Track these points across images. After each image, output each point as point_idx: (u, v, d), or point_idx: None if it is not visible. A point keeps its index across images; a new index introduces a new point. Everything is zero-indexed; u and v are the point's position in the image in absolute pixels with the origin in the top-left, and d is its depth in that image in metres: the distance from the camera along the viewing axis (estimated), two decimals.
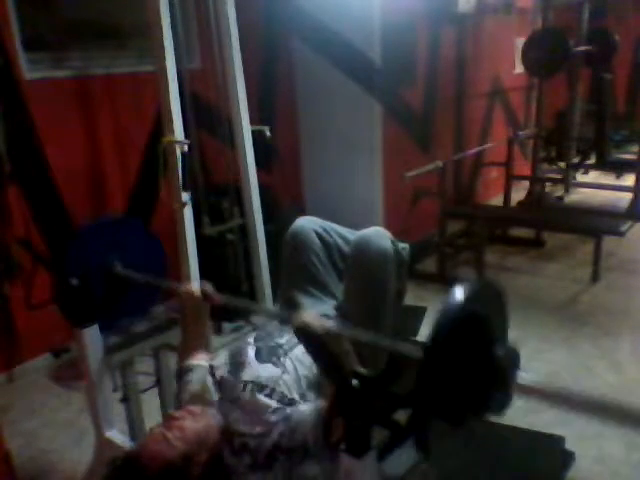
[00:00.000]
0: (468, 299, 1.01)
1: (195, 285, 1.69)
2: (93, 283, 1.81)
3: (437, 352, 0.99)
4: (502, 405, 1.05)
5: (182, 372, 1.59)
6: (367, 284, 1.70)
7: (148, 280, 1.86)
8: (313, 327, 1.33)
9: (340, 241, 1.90)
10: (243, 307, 1.69)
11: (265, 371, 1.47)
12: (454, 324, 1.00)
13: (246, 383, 1.45)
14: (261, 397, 1.40)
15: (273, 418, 1.34)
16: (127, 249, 1.90)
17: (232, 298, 1.68)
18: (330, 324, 1.37)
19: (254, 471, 1.32)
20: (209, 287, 1.68)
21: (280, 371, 1.47)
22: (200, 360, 1.62)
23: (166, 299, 2.08)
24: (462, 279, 1.06)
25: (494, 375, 1.02)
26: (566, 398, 1.02)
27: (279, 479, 1.31)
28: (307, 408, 1.37)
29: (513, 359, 1.05)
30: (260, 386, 1.43)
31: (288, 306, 1.86)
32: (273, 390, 1.42)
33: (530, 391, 1.05)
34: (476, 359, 1.02)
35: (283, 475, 1.30)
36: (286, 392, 1.43)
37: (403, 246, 1.82)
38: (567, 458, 2.16)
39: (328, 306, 1.83)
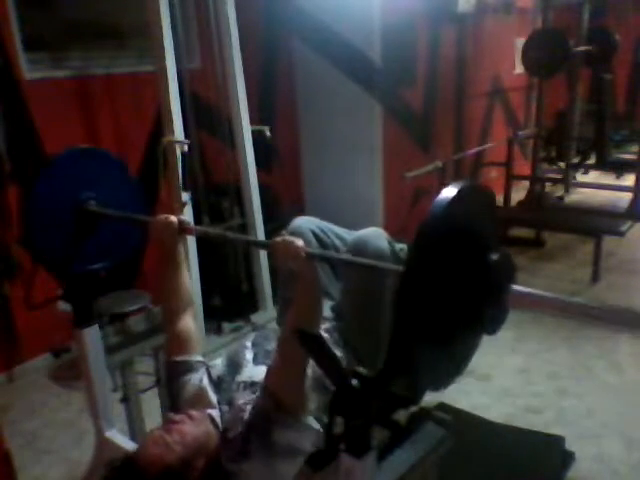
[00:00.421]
0: (456, 201, 0.90)
1: (171, 215, 1.61)
2: (63, 218, 1.67)
3: (422, 256, 0.85)
4: (497, 320, 0.94)
5: (177, 371, 1.55)
6: (364, 284, 1.70)
7: (122, 215, 1.73)
8: (294, 245, 1.31)
9: (337, 241, 1.90)
10: (219, 236, 1.61)
11: (259, 372, 1.47)
12: (441, 225, 0.88)
13: (239, 383, 1.47)
14: (249, 393, 1.41)
15: (247, 407, 1.38)
16: (102, 186, 1.75)
17: (208, 229, 1.60)
18: (302, 244, 1.34)
19: (242, 462, 1.31)
20: (185, 219, 1.61)
21: None
22: (193, 353, 1.57)
23: (142, 235, 1.94)
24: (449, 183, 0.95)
25: (488, 283, 0.91)
26: (562, 304, 0.96)
27: (262, 460, 1.31)
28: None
29: (507, 266, 0.95)
30: (252, 384, 1.44)
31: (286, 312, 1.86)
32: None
33: (526, 300, 0.95)
34: (467, 265, 0.89)
35: (264, 453, 1.31)
36: None
37: (401, 246, 1.82)
38: (567, 458, 2.16)
39: (325, 307, 1.83)
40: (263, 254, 3.30)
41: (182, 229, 1.58)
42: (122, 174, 1.86)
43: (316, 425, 1.39)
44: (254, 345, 1.60)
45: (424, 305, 0.86)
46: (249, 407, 1.37)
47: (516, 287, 0.93)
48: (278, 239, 1.36)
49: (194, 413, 1.39)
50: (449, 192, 0.91)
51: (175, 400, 1.53)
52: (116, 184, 1.81)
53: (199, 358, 1.58)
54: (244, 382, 1.46)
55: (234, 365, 1.54)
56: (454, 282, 0.88)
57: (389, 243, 1.73)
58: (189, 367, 1.55)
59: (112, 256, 1.85)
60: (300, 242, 1.34)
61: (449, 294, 0.88)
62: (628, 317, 0.93)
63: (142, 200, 1.91)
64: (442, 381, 1.03)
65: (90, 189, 1.73)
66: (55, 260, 1.71)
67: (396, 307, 0.89)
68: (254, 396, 1.41)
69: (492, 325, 0.93)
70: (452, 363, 1.01)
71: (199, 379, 1.52)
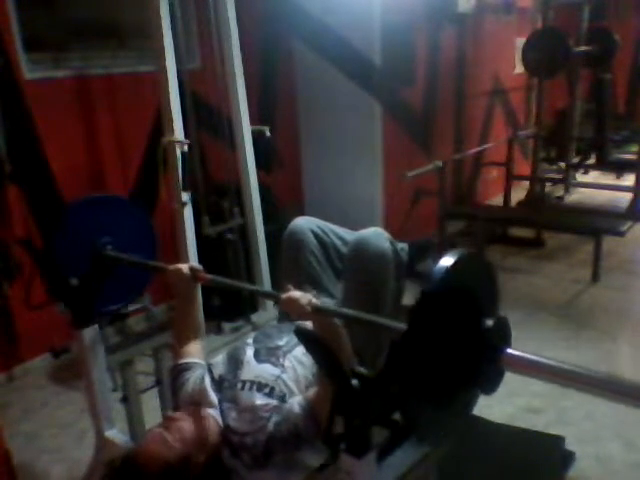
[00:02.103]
0: (454, 268, 0.97)
1: (183, 265, 1.67)
2: (81, 264, 1.76)
3: (421, 322, 0.93)
4: (493, 381, 0.99)
5: (178, 371, 1.59)
6: (365, 284, 1.70)
7: (137, 261, 1.81)
8: (300, 303, 1.33)
9: (337, 241, 1.91)
10: (231, 285, 1.68)
11: (264, 371, 1.47)
12: (439, 293, 0.95)
13: (245, 382, 1.46)
14: (260, 396, 1.40)
15: (267, 414, 1.36)
16: (117, 230, 1.86)
17: (220, 277, 1.67)
18: (317, 300, 1.36)
19: (255, 469, 1.32)
20: (198, 266, 1.66)
21: (279, 371, 1.48)
22: (195, 357, 1.61)
23: (156, 280, 2.04)
24: (450, 249, 1.01)
25: (483, 347, 0.96)
26: (559, 372, 0.97)
27: (277, 471, 1.32)
28: (297, 398, 1.39)
29: (503, 331, 0.99)
30: (259, 385, 1.43)
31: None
32: (272, 389, 1.42)
33: (521, 365, 0.97)
34: (464, 330, 0.96)
35: (282, 466, 1.32)
36: (285, 391, 1.43)
37: (402, 246, 1.82)
38: (567, 458, 2.16)
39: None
40: (263, 254, 3.30)
41: (195, 276, 1.64)
42: (138, 219, 1.97)
43: None
44: (255, 342, 1.61)
45: (424, 364, 0.93)
46: (275, 418, 1.35)
47: (511, 351, 0.98)
48: (284, 296, 1.38)
49: (193, 410, 1.39)
50: (448, 260, 0.97)
51: (176, 400, 1.54)
52: (132, 229, 1.92)
53: (198, 360, 1.60)
54: (250, 381, 1.45)
55: (235, 362, 1.54)
56: (452, 344, 0.94)
57: (390, 243, 1.73)
58: (189, 367, 1.58)
59: (127, 296, 1.99)
60: (307, 297, 1.35)
61: (447, 355, 0.94)
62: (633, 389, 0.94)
63: (155, 242, 2.02)
64: (440, 434, 1.10)
65: (107, 234, 1.83)
66: (75, 300, 1.78)
67: (398, 364, 0.97)
68: (274, 402, 1.39)
69: (488, 386, 0.99)
70: (450, 418, 1.08)
71: (199, 378, 1.52)
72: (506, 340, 1.00)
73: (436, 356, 0.94)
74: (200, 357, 1.63)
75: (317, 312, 1.35)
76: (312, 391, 1.39)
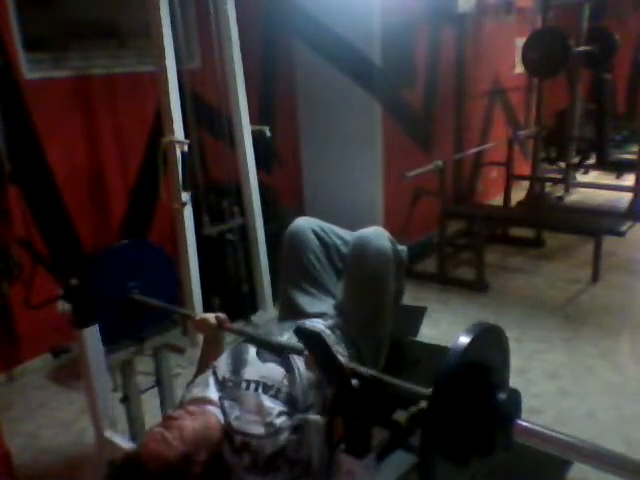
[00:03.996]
0: (471, 346, 1.03)
1: (209, 315, 1.74)
2: (111, 307, 1.90)
3: (440, 398, 1.02)
4: (505, 448, 1.08)
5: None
6: (366, 283, 1.70)
7: (165, 307, 1.93)
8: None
9: (338, 241, 1.91)
10: (257, 336, 1.68)
11: (269, 371, 1.47)
12: (456, 372, 1.02)
13: (249, 382, 1.45)
14: (266, 398, 1.39)
15: (278, 422, 1.33)
16: (143, 273, 1.97)
17: (246, 326, 1.72)
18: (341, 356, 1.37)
19: (252, 472, 1.32)
20: (223, 316, 1.73)
21: (284, 370, 1.47)
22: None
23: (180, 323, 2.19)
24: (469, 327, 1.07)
25: (496, 419, 1.05)
26: (565, 444, 1.05)
27: (287, 476, 1.31)
28: (318, 424, 1.34)
29: (514, 402, 1.08)
30: (265, 386, 1.42)
31: (287, 310, 1.87)
32: (278, 391, 1.41)
33: (531, 436, 1.07)
34: (478, 404, 1.05)
35: (293, 472, 1.30)
36: (290, 391, 1.42)
37: (402, 248, 1.82)
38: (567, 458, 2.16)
39: (327, 305, 1.84)
40: (263, 254, 3.30)
41: (220, 325, 1.72)
42: (161, 262, 2.06)
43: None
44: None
45: (444, 432, 1.03)
46: (290, 435, 1.32)
47: (521, 422, 1.08)
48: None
49: (193, 408, 1.38)
50: (465, 340, 1.04)
51: (181, 401, 1.54)
52: (156, 272, 2.02)
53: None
54: (255, 381, 1.44)
55: (238, 361, 1.54)
56: (467, 416, 1.04)
57: (390, 242, 1.73)
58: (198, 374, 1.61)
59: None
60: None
61: (464, 425, 1.04)
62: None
63: (176, 282, 2.16)
64: None
65: (134, 279, 1.94)
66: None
67: (422, 433, 1.05)
68: (281, 407, 1.37)
69: (500, 452, 1.09)
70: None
71: (204, 376, 1.53)
72: (517, 412, 1.08)
73: (455, 425, 1.03)
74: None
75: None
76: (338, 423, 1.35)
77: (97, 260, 1.93)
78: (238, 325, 1.70)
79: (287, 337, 1.58)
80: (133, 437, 2.04)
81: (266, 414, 1.35)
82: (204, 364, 1.68)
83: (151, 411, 2.18)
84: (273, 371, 1.46)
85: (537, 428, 1.06)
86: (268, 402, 1.38)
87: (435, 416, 1.02)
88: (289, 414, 1.36)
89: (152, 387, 2.19)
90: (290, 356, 1.52)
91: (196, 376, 1.64)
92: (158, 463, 1.25)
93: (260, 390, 1.41)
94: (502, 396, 1.06)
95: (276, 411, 1.36)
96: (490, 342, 1.14)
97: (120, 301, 1.91)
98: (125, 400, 2.06)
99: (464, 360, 1.03)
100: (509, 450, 1.09)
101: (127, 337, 1.99)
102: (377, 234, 1.74)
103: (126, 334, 1.98)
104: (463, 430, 1.04)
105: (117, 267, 1.91)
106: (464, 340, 1.04)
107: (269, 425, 1.33)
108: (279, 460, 1.30)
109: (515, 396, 1.08)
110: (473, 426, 1.05)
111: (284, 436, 1.31)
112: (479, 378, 1.07)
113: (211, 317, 1.71)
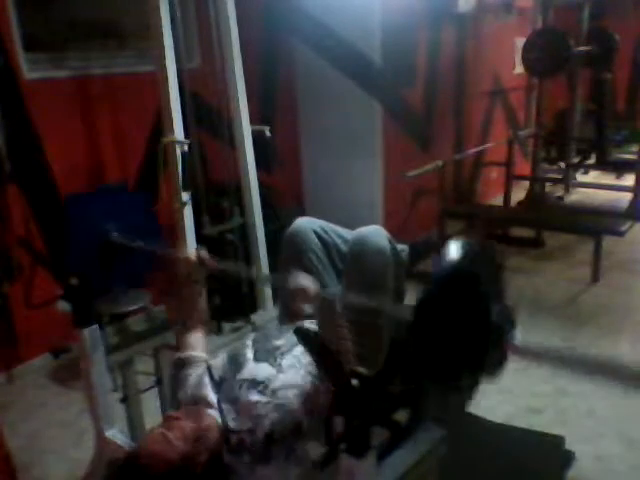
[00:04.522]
0: (462, 256, 1.00)
1: (190, 250, 1.69)
2: (90, 248, 1.84)
3: (429, 308, 0.98)
4: (497, 366, 1.04)
5: (179, 364, 1.58)
6: (365, 281, 1.70)
7: (142, 247, 1.87)
8: (307, 288, 1.34)
9: (339, 241, 1.91)
10: (238, 272, 1.69)
11: (261, 370, 1.47)
12: (447, 281, 0.98)
13: (243, 382, 1.46)
14: (254, 392, 1.41)
15: (262, 411, 1.36)
16: (123, 219, 1.93)
17: (227, 263, 1.69)
18: (321, 290, 1.38)
19: (256, 467, 1.32)
20: (204, 252, 1.67)
21: (275, 370, 1.48)
22: (197, 350, 1.61)
23: (160, 266, 2.08)
24: (456, 239, 1.04)
25: (488, 332, 1.00)
26: (560, 357, 1.04)
27: (279, 467, 1.32)
28: (292, 391, 1.39)
29: (507, 317, 1.04)
30: (254, 382, 1.44)
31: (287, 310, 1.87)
32: (266, 387, 1.43)
33: (524, 351, 1.05)
34: (470, 315, 1.00)
35: (284, 461, 1.32)
36: (278, 388, 1.43)
37: (402, 248, 1.82)
38: (567, 458, 2.16)
39: None
40: (263, 254, 3.30)
41: (201, 262, 1.66)
42: (142, 206, 2.08)
43: None
44: (255, 343, 1.61)
45: (433, 345, 0.99)
46: (273, 415, 1.35)
47: (515, 336, 1.05)
48: (292, 283, 1.44)
49: (193, 408, 1.39)
50: (457, 246, 1.01)
51: (175, 394, 1.54)
52: (137, 216, 2.01)
53: (200, 354, 1.60)
54: (247, 380, 1.46)
55: (235, 363, 1.54)
56: (460, 328, 0.99)
57: (389, 241, 1.73)
58: (190, 361, 1.57)
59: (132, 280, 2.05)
60: (312, 286, 1.36)
61: (456, 338, 0.99)
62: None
63: (159, 228, 2.13)
64: (445, 414, 1.18)
65: (112, 221, 1.90)
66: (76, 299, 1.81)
67: (411, 348, 1.03)
68: (266, 398, 1.39)
69: (493, 370, 1.05)
70: (456, 399, 1.16)
71: (200, 376, 1.52)
72: (511, 325, 1.04)
73: (446, 338, 0.98)
74: (202, 350, 1.62)
75: (323, 300, 1.36)
76: (311, 387, 1.39)
77: (71, 203, 1.90)
78: (218, 262, 1.67)
79: (284, 340, 1.58)
80: (133, 437, 2.04)
81: (255, 408, 1.37)
82: (185, 313, 1.66)
83: (151, 411, 2.18)
84: (264, 370, 1.47)
85: (530, 342, 1.05)
86: (255, 396, 1.39)
87: (424, 326, 0.97)
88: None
89: (152, 387, 2.19)
90: (285, 356, 1.52)
91: (180, 334, 1.63)
92: (159, 464, 1.25)
93: (250, 387, 1.43)
94: (495, 308, 1.02)
95: (261, 404, 1.38)
96: (481, 256, 1.10)
97: (98, 244, 1.86)
98: (125, 400, 2.06)
99: (454, 270, 0.98)
100: (502, 367, 1.04)
101: (113, 286, 1.97)
102: (375, 232, 1.74)
103: (112, 283, 1.96)
104: (454, 343, 0.98)
105: (93, 210, 1.88)
106: (454, 249, 1.00)
107: (256, 417, 1.35)
108: (271, 443, 1.31)
109: (508, 310, 1.04)
110: (464, 338, 0.98)
111: (268, 419, 1.33)
112: (470, 289, 1.01)
113: (192, 252, 1.66)
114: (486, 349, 1.00)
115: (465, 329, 0.99)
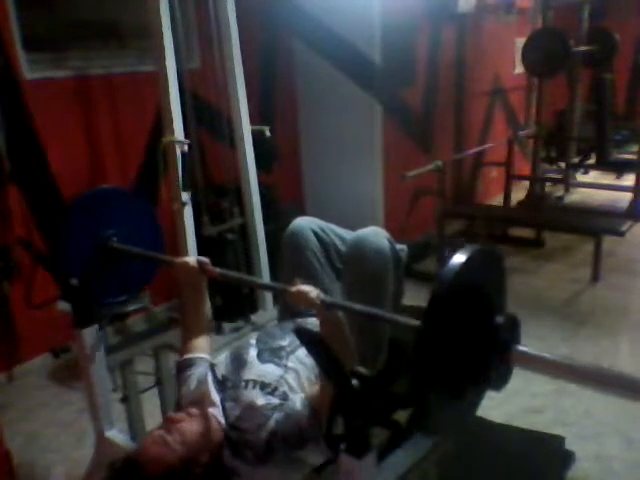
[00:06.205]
0: (466, 266, 0.96)
1: (190, 258, 1.69)
2: (87, 255, 1.80)
3: (435, 320, 0.95)
4: (502, 378, 1.01)
5: (183, 365, 1.59)
6: (365, 281, 1.70)
7: (144, 254, 1.83)
8: (309, 295, 1.34)
9: (338, 241, 1.91)
10: (239, 279, 1.68)
11: (267, 370, 1.47)
12: (451, 292, 0.95)
13: (248, 381, 1.46)
14: (262, 394, 1.41)
15: (268, 412, 1.36)
16: (123, 224, 1.88)
17: (228, 271, 1.68)
18: (324, 296, 1.38)
19: (257, 467, 1.32)
20: (205, 260, 1.67)
21: (282, 371, 1.48)
22: (200, 352, 1.61)
23: (157, 280, 2.06)
24: (460, 246, 1.01)
25: (493, 344, 0.98)
26: (567, 369, 1.00)
27: (280, 468, 1.32)
28: (299, 395, 1.40)
29: (513, 328, 1.02)
30: (263, 384, 1.43)
31: (287, 310, 1.87)
32: (275, 389, 1.42)
33: (530, 362, 1.01)
34: (475, 327, 0.98)
35: (285, 463, 1.32)
36: (288, 391, 1.43)
37: (401, 247, 1.82)
38: (567, 458, 2.16)
39: None
40: (263, 254, 3.30)
41: (202, 270, 1.65)
42: (143, 212, 2.00)
43: None
44: (259, 342, 1.61)
45: (437, 359, 0.95)
46: (277, 416, 1.35)
47: (520, 348, 1.01)
48: (293, 288, 1.40)
49: (194, 411, 1.39)
50: (460, 258, 0.96)
51: (178, 395, 1.54)
52: (137, 221, 1.94)
53: (203, 355, 1.60)
54: (253, 380, 1.45)
55: (238, 361, 1.54)
56: (464, 341, 0.96)
57: (389, 242, 1.73)
58: (192, 362, 1.58)
59: (131, 289, 2.00)
60: (314, 292, 1.37)
61: (459, 351, 0.96)
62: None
63: (161, 235, 2.05)
64: (448, 427, 1.13)
65: (112, 227, 1.85)
66: (76, 299, 1.79)
67: (414, 362, 0.99)
68: (276, 401, 1.39)
69: (497, 382, 1.01)
70: (459, 413, 1.11)
71: (203, 375, 1.52)
72: (516, 337, 1.01)
73: (449, 352, 0.96)
74: (206, 352, 1.63)
75: (325, 306, 1.36)
76: (314, 389, 1.39)
77: (69, 208, 1.83)
78: (221, 270, 1.66)
79: (289, 340, 1.58)
80: (133, 437, 2.04)
81: (261, 409, 1.37)
82: (187, 318, 1.68)
83: (151, 411, 2.18)
84: (271, 370, 1.47)
85: (536, 353, 1.00)
86: (263, 398, 1.39)
87: (428, 340, 0.94)
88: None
89: (152, 387, 2.19)
90: (290, 357, 1.52)
91: (184, 339, 1.64)
92: (159, 466, 1.25)
93: (257, 387, 1.43)
94: (499, 320, 0.99)
95: (270, 406, 1.37)
96: (486, 265, 1.06)
97: (97, 250, 1.81)
98: (125, 400, 2.06)
99: (458, 280, 0.94)
100: (507, 380, 1.00)
101: (113, 294, 1.92)
102: (375, 233, 1.74)
103: (111, 290, 1.91)
104: (458, 356, 0.96)
105: (91, 214, 1.82)
106: (458, 259, 0.95)
107: (262, 417, 1.35)
108: (274, 442, 1.32)
109: (513, 321, 1.01)
110: (468, 351, 0.96)
111: (273, 419, 1.34)
112: (475, 300, 0.99)
113: (192, 260, 1.66)
114: (491, 361, 0.99)
115: (470, 341, 0.97)
